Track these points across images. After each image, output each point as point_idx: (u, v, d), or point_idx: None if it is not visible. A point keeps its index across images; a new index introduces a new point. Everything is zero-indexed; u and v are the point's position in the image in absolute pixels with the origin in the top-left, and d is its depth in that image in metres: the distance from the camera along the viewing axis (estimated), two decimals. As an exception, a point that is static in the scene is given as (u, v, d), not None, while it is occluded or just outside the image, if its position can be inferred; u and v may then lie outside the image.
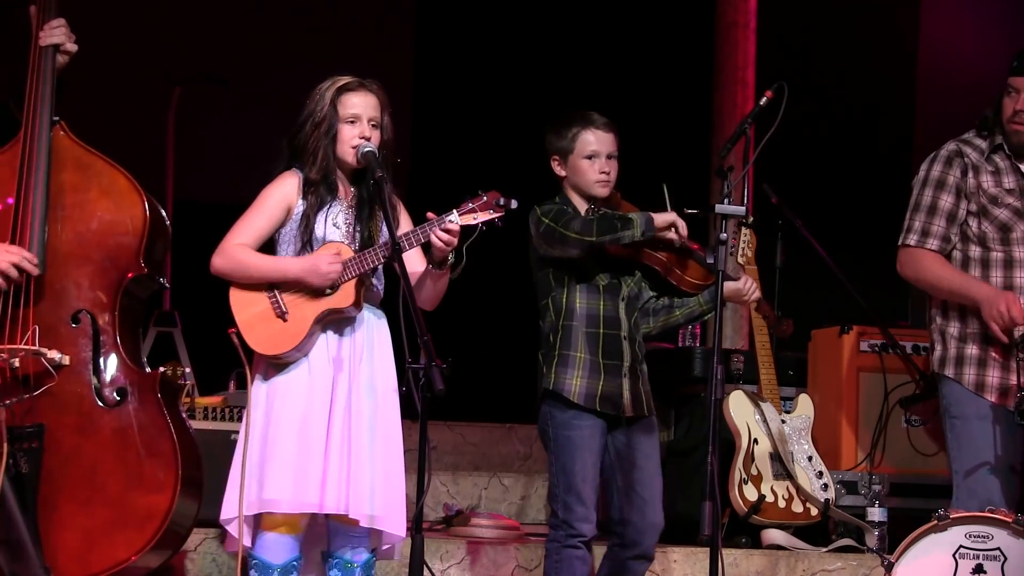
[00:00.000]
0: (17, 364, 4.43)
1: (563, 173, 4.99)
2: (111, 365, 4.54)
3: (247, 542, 4.49)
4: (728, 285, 4.91)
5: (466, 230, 4.50)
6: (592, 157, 4.93)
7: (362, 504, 4.47)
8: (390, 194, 4.54)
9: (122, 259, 4.58)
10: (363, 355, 4.56)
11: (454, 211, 4.49)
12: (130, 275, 4.58)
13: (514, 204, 4.51)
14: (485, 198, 4.50)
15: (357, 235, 4.59)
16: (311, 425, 4.47)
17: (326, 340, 4.53)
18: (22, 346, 4.43)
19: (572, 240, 4.83)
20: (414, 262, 4.57)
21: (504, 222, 4.52)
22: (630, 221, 4.82)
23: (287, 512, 4.46)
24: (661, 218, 4.86)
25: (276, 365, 4.52)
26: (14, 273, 4.42)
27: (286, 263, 4.53)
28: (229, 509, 4.47)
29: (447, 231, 4.44)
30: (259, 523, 4.49)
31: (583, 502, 4.84)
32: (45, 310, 4.50)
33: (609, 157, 4.94)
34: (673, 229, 4.87)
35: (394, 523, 4.54)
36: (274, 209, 4.57)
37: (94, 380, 4.51)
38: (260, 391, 4.52)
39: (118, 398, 4.51)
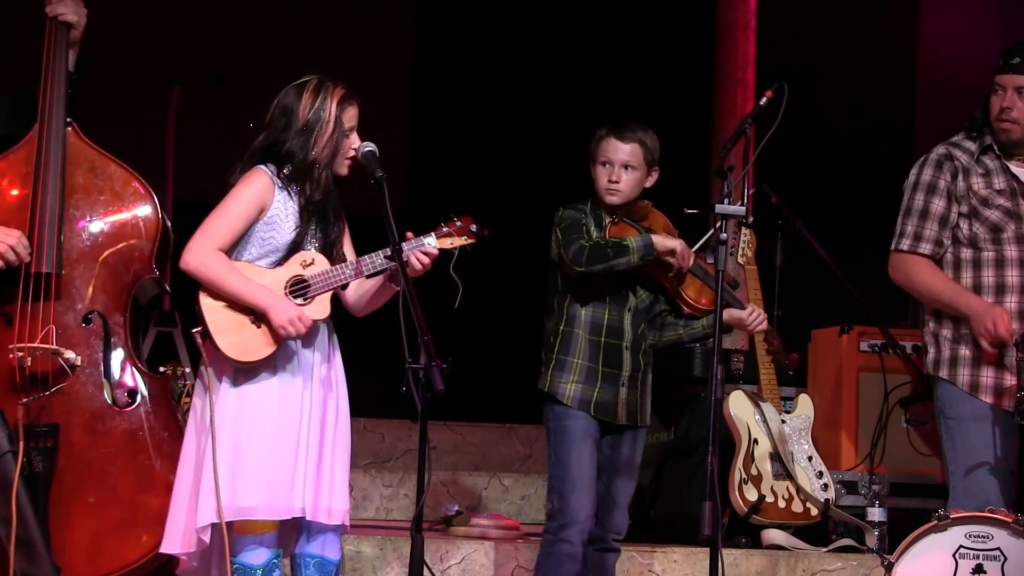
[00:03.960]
0: (30, 363, 4.44)
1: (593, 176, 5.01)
2: (122, 366, 4.57)
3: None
4: (733, 313, 4.97)
5: (445, 255, 4.48)
6: (606, 164, 4.94)
7: (329, 502, 4.48)
8: (336, 203, 4.55)
9: (134, 262, 4.62)
10: (323, 357, 4.55)
11: (432, 235, 4.47)
12: (141, 278, 4.61)
13: (486, 232, 4.50)
14: (459, 223, 4.49)
15: (317, 243, 4.56)
16: (283, 430, 4.45)
17: (292, 344, 4.51)
18: (40, 344, 4.45)
19: (567, 264, 4.87)
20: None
21: (474, 249, 4.51)
22: (624, 248, 4.83)
23: (262, 519, 4.44)
24: (663, 244, 4.87)
25: (244, 370, 4.46)
26: (12, 256, 4.42)
27: (257, 293, 4.43)
28: (205, 515, 4.38)
29: (426, 254, 4.43)
30: (233, 527, 4.42)
31: (579, 490, 4.86)
32: (58, 310, 4.53)
33: (625, 167, 4.93)
34: (673, 256, 4.88)
35: (341, 515, 4.52)
36: (250, 210, 4.49)
37: (105, 381, 4.52)
38: (229, 396, 4.45)
39: (129, 399, 4.53)
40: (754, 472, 5.93)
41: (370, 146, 4.52)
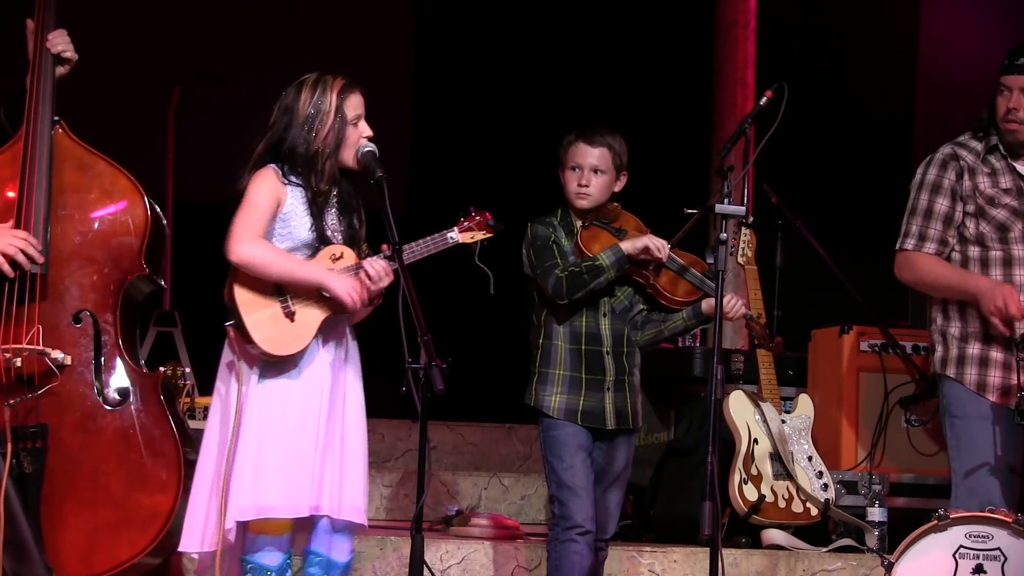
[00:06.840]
0: (19, 364, 4.44)
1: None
2: (112, 365, 4.56)
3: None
4: (711, 302, 4.90)
5: (464, 248, 4.52)
6: (575, 169, 4.93)
7: (350, 499, 4.47)
8: (357, 198, 4.55)
9: (124, 259, 4.60)
10: (343, 357, 4.55)
11: (454, 229, 4.52)
12: (131, 275, 4.60)
13: (503, 227, 4.57)
14: (478, 217, 4.55)
15: (340, 235, 4.55)
16: (304, 428, 4.43)
17: (313, 344, 4.49)
18: (26, 345, 4.45)
19: (546, 293, 4.88)
20: None
21: (490, 243, 4.57)
22: (599, 268, 4.83)
23: (284, 517, 4.42)
24: (633, 247, 4.87)
25: (269, 367, 4.44)
26: (22, 258, 4.42)
27: (311, 271, 4.43)
28: (233, 512, 4.35)
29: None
30: (249, 526, 4.41)
31: (577, 494, 4.86)
32: (47, 310, 4.52)
33: (595, 171, 4.92)
34: (650, 251, 4.87)
35: (360, 513, 4.52)
36: (271, 203, 4.46)
37: (96, 380, 4.52)
38: (255, 393, 4.43)
39: (120, 398, 4.53)
40: (754, 472, 5.93)
41: (370, 146, 4.52)
